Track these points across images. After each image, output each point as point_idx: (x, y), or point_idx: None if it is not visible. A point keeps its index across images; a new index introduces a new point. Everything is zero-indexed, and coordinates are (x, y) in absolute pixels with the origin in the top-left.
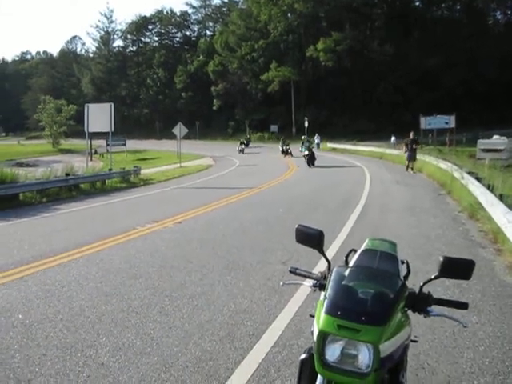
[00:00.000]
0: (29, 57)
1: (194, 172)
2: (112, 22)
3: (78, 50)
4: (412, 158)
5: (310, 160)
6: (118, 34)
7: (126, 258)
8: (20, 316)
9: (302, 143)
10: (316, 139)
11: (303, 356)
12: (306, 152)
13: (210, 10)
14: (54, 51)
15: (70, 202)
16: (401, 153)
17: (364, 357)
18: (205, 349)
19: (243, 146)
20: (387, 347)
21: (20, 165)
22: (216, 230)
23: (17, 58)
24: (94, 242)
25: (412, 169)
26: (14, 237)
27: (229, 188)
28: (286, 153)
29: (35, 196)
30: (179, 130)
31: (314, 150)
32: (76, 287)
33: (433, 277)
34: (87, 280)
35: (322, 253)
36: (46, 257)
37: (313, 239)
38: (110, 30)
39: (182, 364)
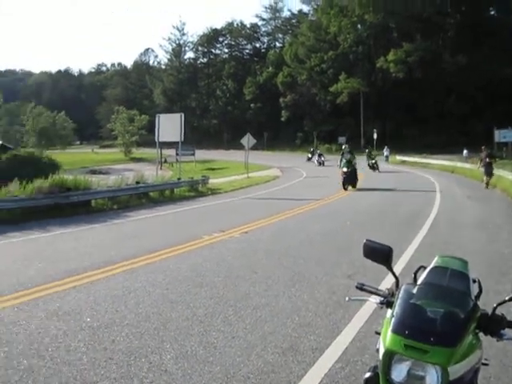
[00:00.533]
0: (104, 69)
1: (261, 182)
2: (184, 34)
3: (151, 61)
4: (488, 172)
5: (348, 179)
6: (189, 46)
7: (192, 267)
8: (88, 319)
9: (342, 154)
10: (385, 151)
11: (368, 374)
12: (345, 169)
13: (280, 21)
14: (128, 63)
15: (139, 210)
16: (473, 166)
17: (432, 379)
18: (267, 360)
19: (322, 158)
20: (457, 370)
21: (93, 172)
22: (282, 241)
23: (93, 70)
24: (161, 249)
25: (487, 184)
26: (85, 242)
27: (296, 199)
28: (373, 168)
29: (107, 203)
30: (247, 140)
31: (382, 163)
32: (143, 293)
33: (507, 298)
34: (154, 287)
35: (390, 269)
36: (115, 262)
37: (381, 255)
38: (181, 42)
39: (244, 375)
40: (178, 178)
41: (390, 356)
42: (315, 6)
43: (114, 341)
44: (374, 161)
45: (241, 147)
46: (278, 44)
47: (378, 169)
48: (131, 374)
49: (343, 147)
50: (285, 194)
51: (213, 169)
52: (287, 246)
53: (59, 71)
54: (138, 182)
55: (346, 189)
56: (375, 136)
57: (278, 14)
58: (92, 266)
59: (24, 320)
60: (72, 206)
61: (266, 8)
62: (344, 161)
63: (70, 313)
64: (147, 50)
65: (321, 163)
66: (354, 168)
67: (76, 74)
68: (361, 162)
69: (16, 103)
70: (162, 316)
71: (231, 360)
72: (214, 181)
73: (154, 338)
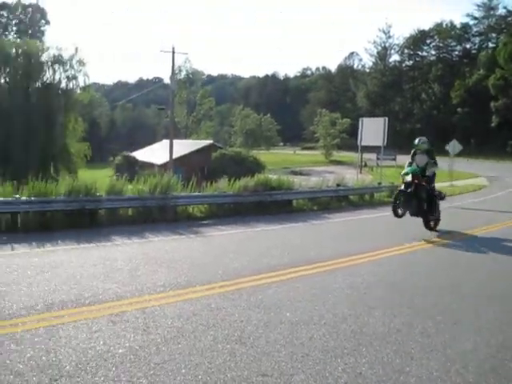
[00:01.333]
0: (309, 72)
1: (466, 192)
2: (390, 37)
3: (355, 65)
4: None
5: (409, 203)
6: (394, 49)
7: (390, 273)
8: (288, 314)
9: (413, 155)
10: None
11: None
12: (409, 178)
13: (494, 20)
14: (332, 67)
15: (338, 212)
16: None
17: None
18: (467, 380)
19: None
20: None
21: (294, 173)
22: (486, 254)
23: (298, 74)
24: (359, 253)
25: None
26: (285, 240)
27: (499, 211)
28: None
29: (307, 203)
30: (453, 146)
31: None
32: (340, 295)
33: None
34: (352, 289)
35: None
36: (314, 262)
37: None
38: (387, 45)
39: None
40: (379, 183)
41: None
42: None
43: (311, 338)
44: None
45: (445, 153)
46: (490, 44)
47: None
48: (326, 373)
49: (415, 141)
50: (490, 205)
51: None
52: (492, 260)
53: (266, 76)
54: (338, 185)
55: (398, 215)
56: None
57: (492, 12)
58: (292, 263)
59: (229, 308)
60: (275, 205)
61: (478, 6)
62: (411, 166)
63: (271, 306)
64: (352, 53)
65: None
66: (426, 188)
67: (282, 78)
68: None
69: (226, 105)
70: (358, 319)
71: (428, 373)
72: None
73: (350, 340)
